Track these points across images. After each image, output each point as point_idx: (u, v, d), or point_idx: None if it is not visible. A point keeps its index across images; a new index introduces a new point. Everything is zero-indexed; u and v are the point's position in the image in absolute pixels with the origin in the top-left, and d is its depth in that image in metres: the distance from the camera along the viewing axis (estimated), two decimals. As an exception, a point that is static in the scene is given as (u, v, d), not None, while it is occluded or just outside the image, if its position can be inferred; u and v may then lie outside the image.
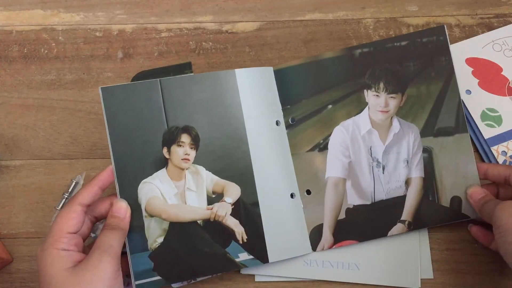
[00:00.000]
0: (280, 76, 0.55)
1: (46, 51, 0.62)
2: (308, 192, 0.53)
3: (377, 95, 0.54)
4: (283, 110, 0.55)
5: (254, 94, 0.53)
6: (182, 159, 0.50)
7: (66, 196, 0.55)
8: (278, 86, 0.55)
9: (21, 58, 0.61)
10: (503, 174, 0.48)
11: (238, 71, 0.53)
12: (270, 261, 0.49)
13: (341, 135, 0.55)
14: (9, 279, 0.53)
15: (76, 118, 0.59)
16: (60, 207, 0.54)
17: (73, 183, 0.55)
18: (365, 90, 0.55)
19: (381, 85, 0.55)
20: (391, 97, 0.54)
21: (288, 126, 0.55)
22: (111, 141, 0.49)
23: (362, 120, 0.55)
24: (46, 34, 0.63)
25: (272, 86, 0.55)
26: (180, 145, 0.50)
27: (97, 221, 0.48)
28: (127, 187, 0.49)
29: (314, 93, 0.55)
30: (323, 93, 0.56)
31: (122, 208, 0.47)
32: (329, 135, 0.55)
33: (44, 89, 0.60)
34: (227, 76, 0.52)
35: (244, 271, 0.52)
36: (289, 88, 0.55)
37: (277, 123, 0.54)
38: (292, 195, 0.52)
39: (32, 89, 0.60)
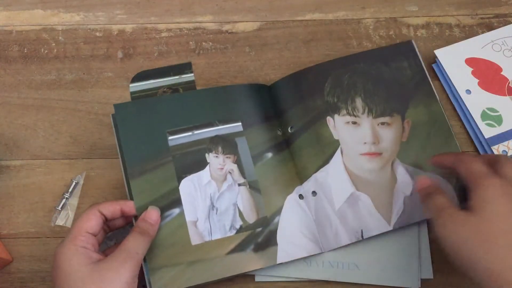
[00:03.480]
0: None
1: (46, 51, 0.62)
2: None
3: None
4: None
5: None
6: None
7: (66, 196, 0.55)
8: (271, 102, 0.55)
9: (21, 58, 0.61)
10: (451, 162, 0.45)
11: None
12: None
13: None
14: (9, 279, 0.53)
15: (76, 118, 0.59)
16: (60, 207, 0.54)
17: (73, 183, 0.55)
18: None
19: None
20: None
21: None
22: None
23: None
24: (46, 34, 0.63)
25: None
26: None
27: (110, 231, 0.49)
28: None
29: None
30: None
31: (154, 214, 0.48)
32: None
33: (44, 89, 0.60)
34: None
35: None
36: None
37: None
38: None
39: (32, 89, 0.60)
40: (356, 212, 0.48)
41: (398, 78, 0.52)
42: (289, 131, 0.53)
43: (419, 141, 0.47)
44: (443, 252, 0.42)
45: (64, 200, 0.55)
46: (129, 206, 0.48)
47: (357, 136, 0.47)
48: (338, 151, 0.48)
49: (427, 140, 0.47)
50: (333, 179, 0.49)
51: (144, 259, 0.47)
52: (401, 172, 0.46)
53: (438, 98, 0.53)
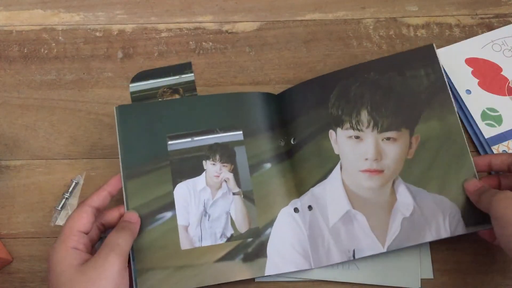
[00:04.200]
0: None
1: (46, 51, 0.62)
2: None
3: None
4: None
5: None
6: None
7: (66, 196, 0.55)
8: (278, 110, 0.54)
9: (21, 58, 0.61)
10: (506, 162, 0.47)
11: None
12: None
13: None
14: (9, 279, 0.53)
15: (76, 118, 0.59)
16: (60, 207, 0.54)
17: (73, 183, 0.55)
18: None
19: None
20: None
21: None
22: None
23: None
24: (46, 34, 0.62)
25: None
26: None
27: (105, 229, 0.49)
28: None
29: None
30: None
31: (133, 215, 0.48)
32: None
33: (44, 89, 0.60)
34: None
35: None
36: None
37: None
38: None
39: (32, 89, 0.60)
40: (350, 231, 0.47)
41: (411, 88, 0.48)
42: (292, 142, 0.52)
43: (426, 159, 0.44)
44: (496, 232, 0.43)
45: (64, 200, 0.55)
46: (112, 184, 0.49)
47: (358, 151, 0.45)
48: (338, 167, 0.47)
49: (436, 157, 0.45)
50: (329, 195, 0.48)
51: (133, 259, 0.48)
52: (402, 192, 0.44)
53: (456, 110, 0.49)
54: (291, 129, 0.52)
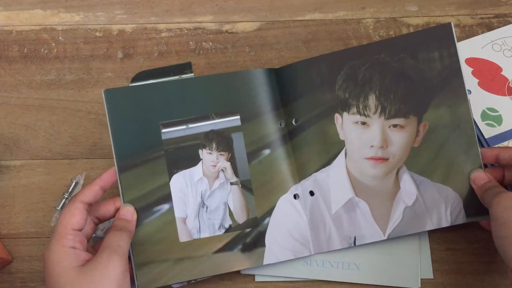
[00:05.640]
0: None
1: (46, 51, 0.62)
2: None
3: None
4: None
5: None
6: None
7: (66, 196, 0.55)
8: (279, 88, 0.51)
9: (21, 58, 0.61)
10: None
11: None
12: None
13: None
14: (9, 279, 0.53)
15: (76, 118, 0.59)
16: (60, 207, 0.54)
17: (73, 183, 0.55)
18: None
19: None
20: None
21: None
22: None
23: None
24: (46, 34, 0.62)
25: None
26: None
27: (100, 223, 0.49)
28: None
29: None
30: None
31: (129, 211, 0.48)
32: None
33: (44, 89, 0.60)
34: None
35: (244, 271, 0.52)
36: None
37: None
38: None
39: (32, 89, 0.60)
40: (352, 218, 0.47)
41: (423, 73, 0.45)
42: (293, 123, 0.50)
43: (433, 147, 0.43)
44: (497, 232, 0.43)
45: (64, 200, 0.55)
46: (105, 179, 0.47)
47: (364, 138, 0.44)
48: (342, 153, 0.46)
49: (443, 147, 0.44)
50: (333, 182, 0.48)
51: (132, 253, 0.47)
52: (406, 181, 0.44)
53: (468, 98, 0.47)
54: (292, 109, 0.50)
